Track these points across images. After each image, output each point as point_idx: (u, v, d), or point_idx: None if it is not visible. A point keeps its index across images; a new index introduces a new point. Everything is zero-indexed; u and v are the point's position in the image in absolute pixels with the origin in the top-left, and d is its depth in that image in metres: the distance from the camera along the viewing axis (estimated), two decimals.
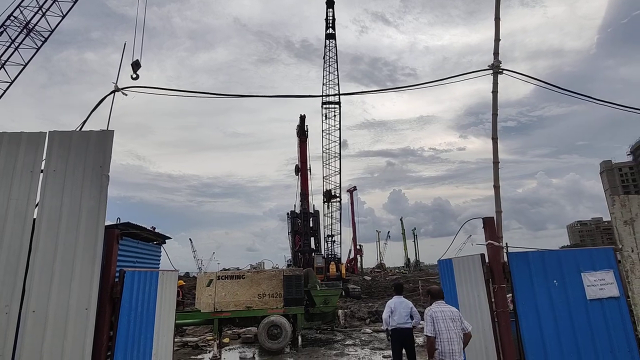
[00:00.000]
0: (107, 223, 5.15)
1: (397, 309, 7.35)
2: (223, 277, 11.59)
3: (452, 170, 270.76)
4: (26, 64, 25.05)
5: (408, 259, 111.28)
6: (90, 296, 4.82)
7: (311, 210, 33.58)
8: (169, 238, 8.80)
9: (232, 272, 11.87)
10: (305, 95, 7.85)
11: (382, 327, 8.32)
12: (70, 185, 5.14)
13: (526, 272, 5.65)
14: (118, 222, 6.32)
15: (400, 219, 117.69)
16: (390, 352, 9.95)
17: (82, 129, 5.69)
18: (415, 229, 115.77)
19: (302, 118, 35.29)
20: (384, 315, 7.32)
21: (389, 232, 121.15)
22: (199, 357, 11.33)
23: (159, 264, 8.44)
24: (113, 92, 5.87)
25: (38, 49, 24.86)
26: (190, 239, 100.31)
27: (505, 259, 5.82)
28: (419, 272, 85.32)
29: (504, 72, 6.42)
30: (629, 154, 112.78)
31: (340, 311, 15.50)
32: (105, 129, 5.41)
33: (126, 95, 5.98)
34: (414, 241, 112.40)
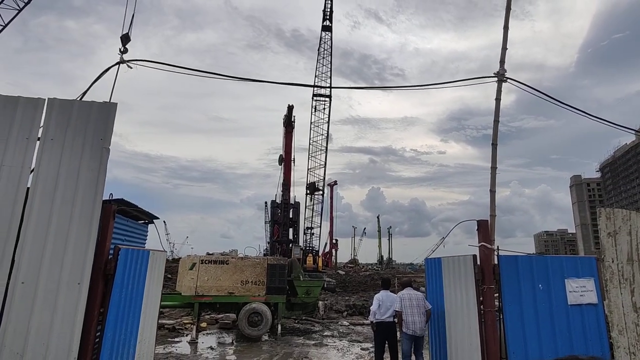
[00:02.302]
0: None
1: (384, 303, 7.49)
2: (207, 262, 11.48)
3: (431, 172, 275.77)
4: (5, 25, 23.67)
5: (381, 256, 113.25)
6: (83, 271, 4.70)
7: (292, 202, 33.51)
8: (157, 218, 8.63)
9: (216, 257, 11.77)
10: (298, 84, 7.84)
11: (367, 320, 8.49)
12: (68, 155, 4.96)
13: (514, 275, 5.89)
14: (111, 198, 6.14)
15: (377, 217, 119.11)
16: (369, 345, 10.14)
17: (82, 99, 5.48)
18: (390, 227, 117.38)
19: (290, 108, 34.92)
20: (373, 308, 7.49)
21: (365, 228, 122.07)
22: (177, 339, 11.22)
23: (144, 243, 8.28)
24: (118, 63, 5.67)
25: (20, 11, 23.52)
26: (164, 222, 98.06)
27: (496, 261, 6.03)
28: (390, 269, 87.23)
29: (508, 80, 6.59)
30: (597, 171, 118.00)
31: (320, 303, 15.66)
32: (108, 101, 5.23)
33: (131, 68, 5.79)
34: (389, 239, 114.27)
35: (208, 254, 12.35)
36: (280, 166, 37.74)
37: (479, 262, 6.02)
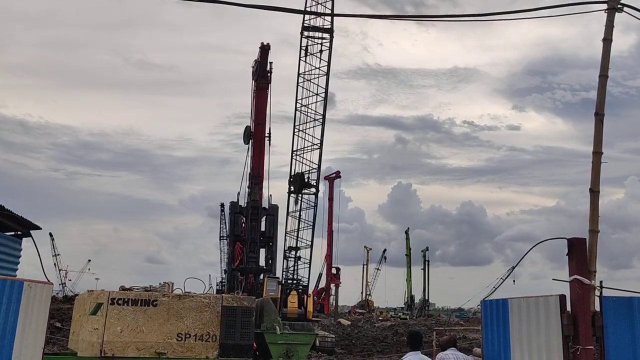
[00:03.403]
0: None
1: None
2: (121, 302, 11.47)
3: (496, 160, 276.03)
4: None
5: (411, 297, 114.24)
6: None
7: (265, 205, 33.55)
8: (38, 228, 8.65)
9: (138, 293, 11.73)
10: (278, 8, 7.73)
11: None
12: None
13: (628, 328, 5.98)
14: None
15: (406, 232, 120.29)
16: None
17: None
18: (427, 250, 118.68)
19: (265, 49, 34.86)
20: None
21: (385, 251, 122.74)
22: None
23: (16, 269, 8.31)
24: None
25: None
26: (50, 234, 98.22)
27: (597, 306, 6.09)
28: (426, 318, 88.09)
29: (626, 10, 6.63)
30: None
31: None
32: None
33: None
34: (424, 269, 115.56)
35: (123, 288, 12.36)
36: (247, 145, 37.85)
37: (569, 308, 6.06)
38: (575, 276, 6.03)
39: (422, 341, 8.37)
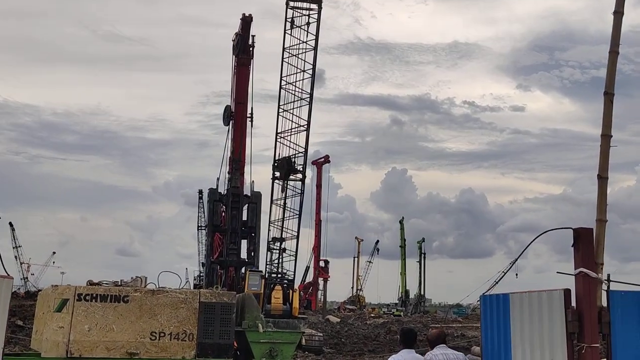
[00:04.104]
0: None
1: None
2: (89, 298, 11.45)
3: (499, 143, 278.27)
4: None
5: (406, 292, 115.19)
6: None
7: (247, 192, 33.52)
8: None
9: (107, 289, 11.72)
10: None
11: None
12: None
13: (637, 325, 6.04)
14: None
15: (400, 221, 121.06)
16: None
17: None
18: (424, 241, 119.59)
19: (247, 21, 34.64)
20: None
21: (377, 242, 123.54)
22: None
23: None
24: None
25: None
26: (10, 224, 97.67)
27: (604, 301, 6.15)
28: (422, 315, 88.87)
29: None
30: None
31: None
32: None
33: None
34: (420, 262, 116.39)
35: (91, 283, 12.35)
36: (227, 127, 37.69)
37: (574, 303, 6.13)
38: (581, 269, 6.07)
39: (416, 339, 8.43)
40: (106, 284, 12.37)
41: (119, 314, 11.51)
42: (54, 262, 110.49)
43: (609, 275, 6.25)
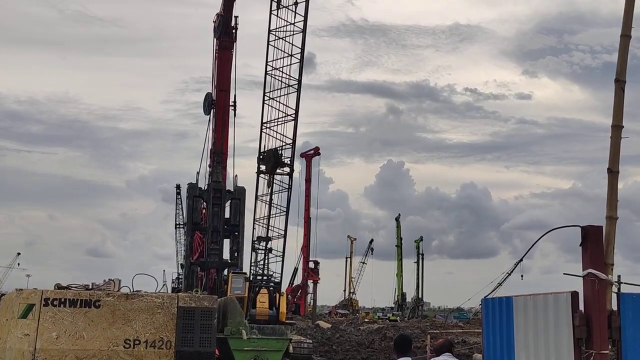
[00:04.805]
0: None
1: None
2: (56, 302, 11.39)
3: (503, 134, 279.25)
4: None
5: (402, 295, 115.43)
6: None
7: (230, 187, 33.49)
8: None
9: (77, 292, 11.65)
10: None
11: None
12: None
13: None
14: None
15: (396, 219, 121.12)
16: None
17: None
18: (421, 239, 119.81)
19: (229, 0, 34.52)
20: None
21: (371, 241, 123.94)
22: None
23: None
24: None
25: None
26: None
27: (614, 304, 6.19)
28: (419, 320, 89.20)
29: None
30: None
31: None
32: None
33: None
34: (417, 263, 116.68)
35: (60, 287, 12.30)
36: (208, 116, 37.60)
37: (582, 307, 6.16)
38: (590, 270, 6.10)
39: (411, 346, 8.45)
40: (76, 287, 12.30)
41: (90, 320, 11.44)
42: (18, 264, 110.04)
43: (619, 277, 6.28)
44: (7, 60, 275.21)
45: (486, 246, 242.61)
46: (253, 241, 28.52)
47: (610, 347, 6.18)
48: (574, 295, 6.24)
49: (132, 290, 12.60)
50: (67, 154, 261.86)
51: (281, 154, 26.37)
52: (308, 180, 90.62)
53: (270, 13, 26.40)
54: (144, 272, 14.24)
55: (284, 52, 26.45)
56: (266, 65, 26.71)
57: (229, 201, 32.87)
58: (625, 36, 6.91)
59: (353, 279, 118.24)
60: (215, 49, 35.55)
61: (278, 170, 26.85)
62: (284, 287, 31.88)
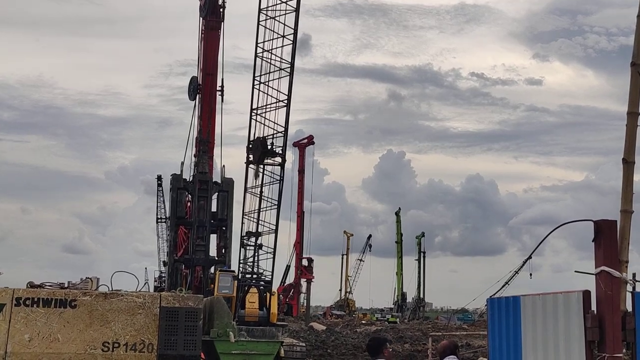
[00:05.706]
0: None
1: None
2: (28, 302, 11.39)
3: (512, 123, 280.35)
4: None
5: (402, 295, 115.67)
6: None
7: (217, 179, 33.48)
8: None
9: (51, 291, 11.64)
10: None
11: None
12: None
13: None
14: None
15: (397, 213, 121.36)
16: None
17: None
18: (423, 235, 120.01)
19: None
20: None
21: (369, 237, 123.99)
22: None
23: None
24: None
25: None
26: None
27: (629, 304, 6.21)
28: (421, 321, 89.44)
29: None
30: None
31: None
32: None
33: None
34: (419, 260, 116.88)
35: (32, 285, 12.30)
36: (193, 102, 37.56)
37: (594, 307, 6.19)
38: (603, 267, 6.11)
39: (383, 346, 8.53)
40: (50, 286, 12.30)
41: (65, 321, 11.44)
42: None
43: (634, 275, 6.30)
44: None
45: (493, 243, 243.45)
46: (242, 237, 28.54)
47: (624, 350, 6.19)
48: (586, 294, 6.26)
49: (111, 289, 12.60)
50: (41, 143, 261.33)
51: (272, 143, 26.36)
52: (301, 172, 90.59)
53: None
54: (124, 269, 14.27)
55: (276, 32, 26.42)
56: (256, 47, 26.67)
57: (216, 193, 32.89)
58: None
59: (349, 278, 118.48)
60: (202, 30, 35.47)
61: (269, 161, 26.84)
62: (275, 286, 31.99)
